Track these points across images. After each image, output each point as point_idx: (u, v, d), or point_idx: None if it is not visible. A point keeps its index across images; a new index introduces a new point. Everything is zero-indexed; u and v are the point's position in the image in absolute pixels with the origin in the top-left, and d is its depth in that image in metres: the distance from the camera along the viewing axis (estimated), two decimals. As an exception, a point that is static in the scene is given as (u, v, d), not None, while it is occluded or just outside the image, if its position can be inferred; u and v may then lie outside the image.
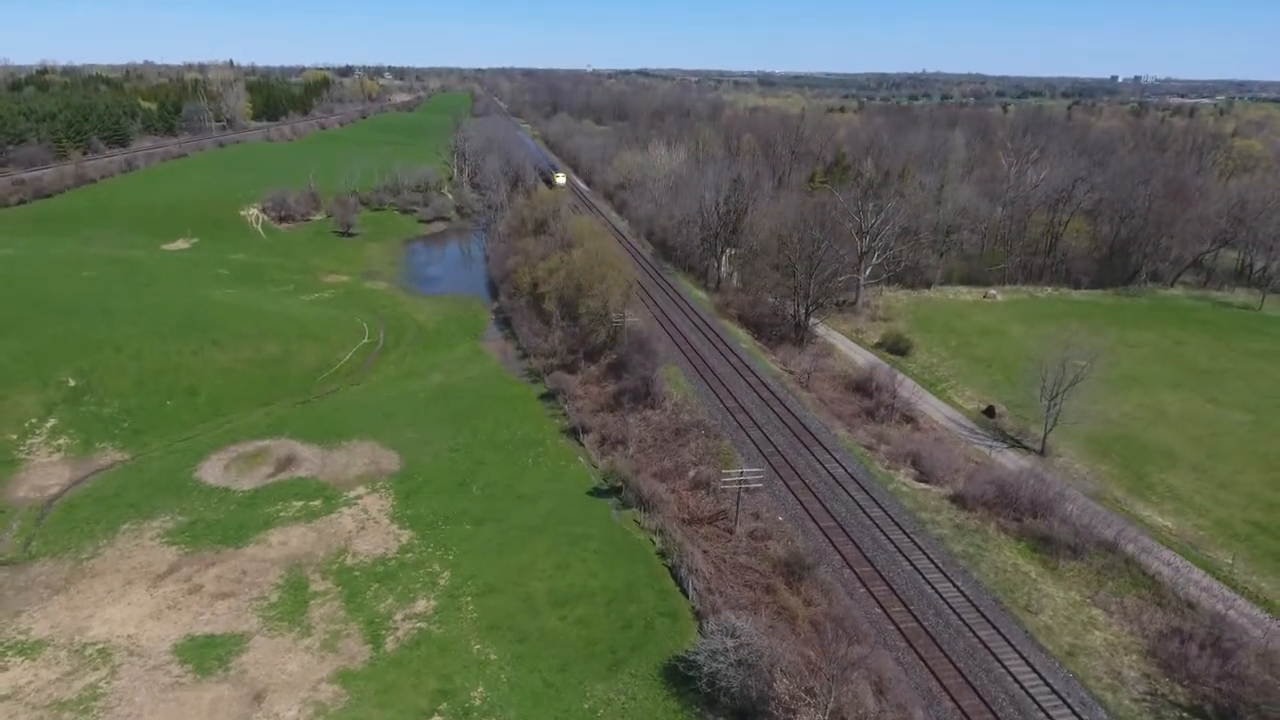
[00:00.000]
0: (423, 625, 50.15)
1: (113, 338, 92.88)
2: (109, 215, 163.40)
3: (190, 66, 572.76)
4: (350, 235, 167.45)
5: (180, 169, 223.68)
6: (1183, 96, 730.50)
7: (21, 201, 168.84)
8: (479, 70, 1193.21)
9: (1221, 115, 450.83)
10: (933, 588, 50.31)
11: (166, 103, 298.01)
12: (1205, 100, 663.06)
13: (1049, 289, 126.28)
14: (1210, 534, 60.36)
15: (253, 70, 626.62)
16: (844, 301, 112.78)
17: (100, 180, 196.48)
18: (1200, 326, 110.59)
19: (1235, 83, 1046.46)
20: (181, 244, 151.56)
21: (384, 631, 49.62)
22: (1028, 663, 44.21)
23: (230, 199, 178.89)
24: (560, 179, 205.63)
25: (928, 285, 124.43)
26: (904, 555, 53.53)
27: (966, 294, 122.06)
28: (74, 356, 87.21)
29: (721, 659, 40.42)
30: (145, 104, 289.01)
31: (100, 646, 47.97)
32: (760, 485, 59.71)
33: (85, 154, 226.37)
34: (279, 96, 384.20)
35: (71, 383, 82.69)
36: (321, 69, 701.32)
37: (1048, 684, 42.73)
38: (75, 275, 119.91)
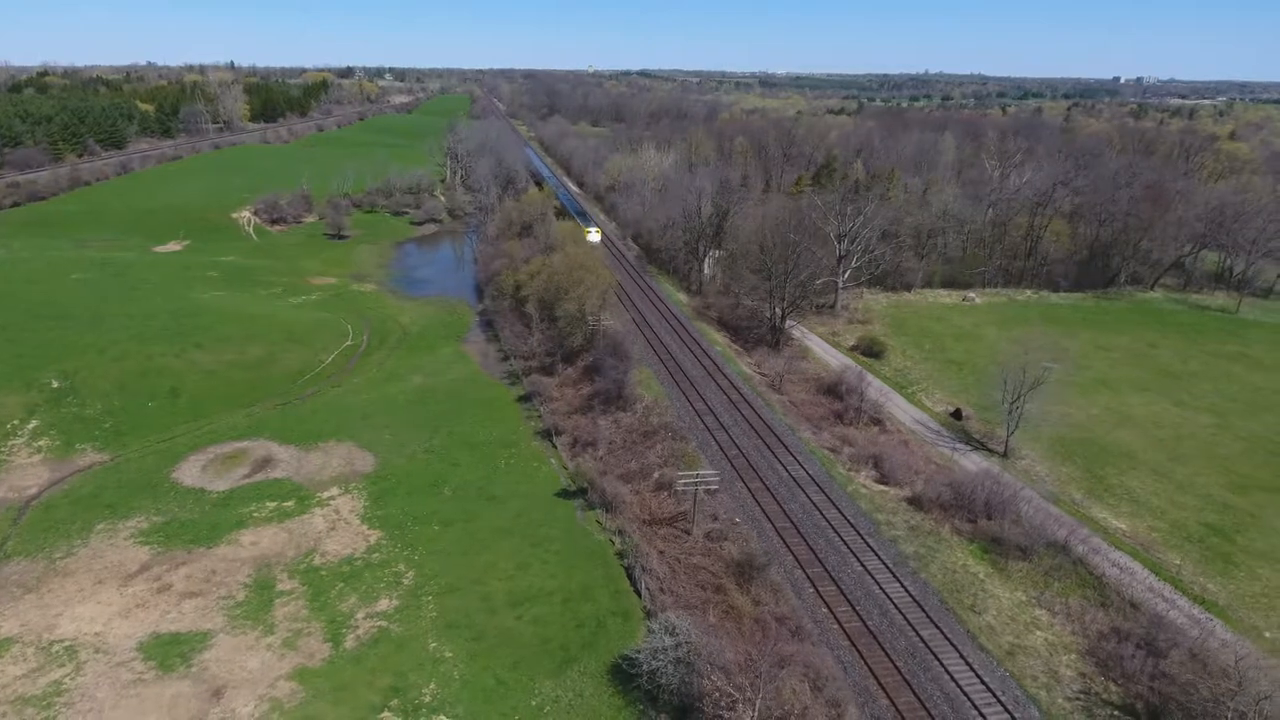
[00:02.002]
0: (383, 624, 51.35)
1: (98, 340, 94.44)
2: (103, 218, 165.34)
3: (190, 68, 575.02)
4: (341, 238, 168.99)
5: (176, 171, 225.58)
6: (1184, 98, 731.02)
7: (15, 204, 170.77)
8: (480, 71, 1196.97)
9: (1221, 117, 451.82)
10: (880, 588, 51.44)
11: (164, 105, 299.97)
12: (1206, 101, 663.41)
13: (1029, 292, 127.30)
14: (1163, 536, 61.41)
15: (254, 72, 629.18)
16: (823, 304, 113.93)
17: (95, 183, 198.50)
18: (1176, 329, 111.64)
19: (1238, 84, 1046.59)
20: (173, 246, 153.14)
21: (345, 630, 50.80)
22: (966, 662, 45.31)
23: (224, 202, 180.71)
24: (593, 234, 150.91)
25: (908, 288, 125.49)
26: (855, 556, 54.66)
27: (946, 297, 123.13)
28: (59, 358, 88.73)
29: (661, 657, 41.61)
30: (143, 106, 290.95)
31: (67, 644, 49.22)
32: (717, 487, 60.93)
33: (81, 156, 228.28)
34: (277, 98, 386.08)
35: (55, 384, 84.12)
36: (322, 70, 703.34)
37: (984, 683, 43.82)
38: (65, 278, 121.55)
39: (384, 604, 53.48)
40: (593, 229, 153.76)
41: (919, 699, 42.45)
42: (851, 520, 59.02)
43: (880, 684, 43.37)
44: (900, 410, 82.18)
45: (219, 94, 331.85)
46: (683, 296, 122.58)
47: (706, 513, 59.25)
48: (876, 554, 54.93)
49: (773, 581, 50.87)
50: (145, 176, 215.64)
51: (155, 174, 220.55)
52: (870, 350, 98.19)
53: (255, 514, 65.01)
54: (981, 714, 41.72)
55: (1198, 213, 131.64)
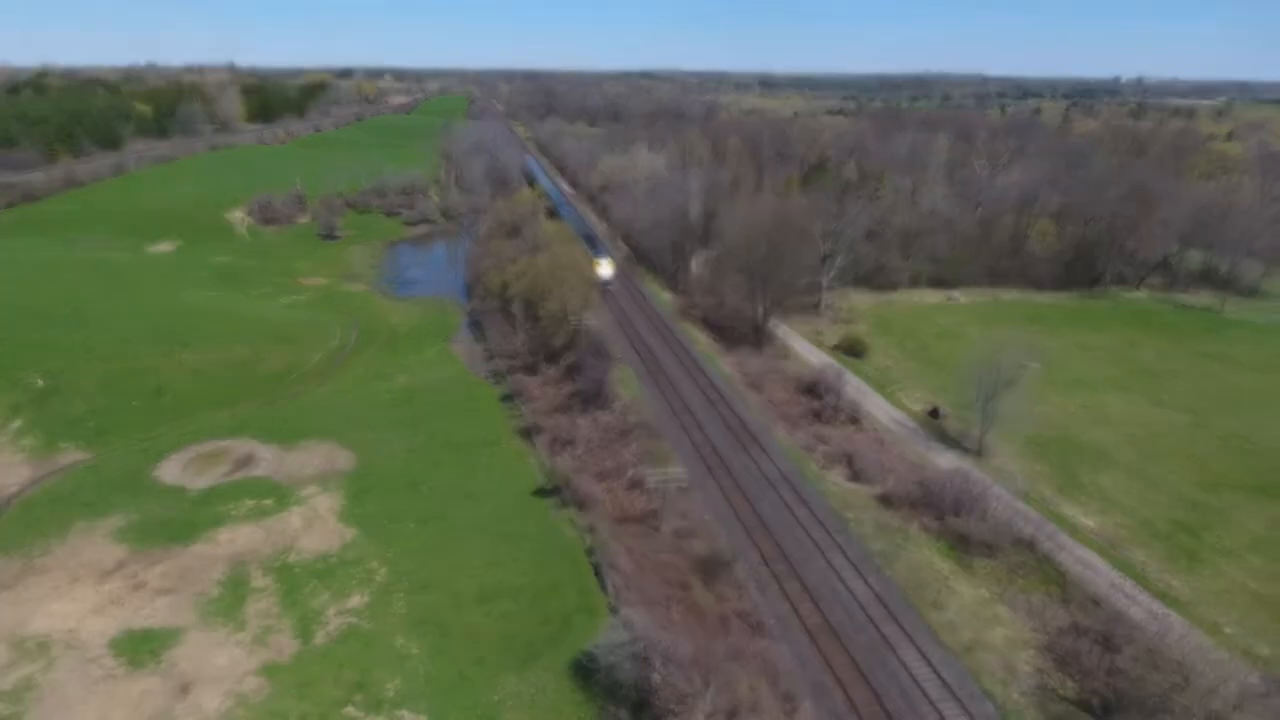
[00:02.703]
0: (353, 620, 51.96)
1: (85, 340, 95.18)
2: (96, 218, 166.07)
3: (190, 69, 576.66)
4: (334, 238, 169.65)
5: (170, 172, 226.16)
6: (1184, 98, 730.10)
7: (9, 205, 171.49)
8: (480, 72, 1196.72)
9: (1220, 117, 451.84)
10: (844, 584, 51.95)
11: (161, 106, 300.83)
12: (1205, 101, 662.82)
13: (1014, 292, 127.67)
14: (1131, 533, 61.87)
15: (253, 73, 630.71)
16: (807, 304, 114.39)
17: (89, 184, 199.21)
18: (1160, 329, 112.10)
19: (1238, 84, 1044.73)
20: (165, 247, 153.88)
21: (315, 626, 51.41)
22: (925, 658, 45.81)
23: (218, 202, 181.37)
24: (604, 267, 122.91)
25: (894, 288, 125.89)
26: (822, 553, 55.19)
27: (931, 296, 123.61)
28: (44, 358, 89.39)
29: (619, 653, 42.16)
30: (140, 107, 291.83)
31: (40, 640, 49.82)
32: (686, 485, 61.49)
33: (76, 157, 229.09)
34: (274, 99, 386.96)
35: (40, 384, 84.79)
36: (321, 71, 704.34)
37: (941, 678, 44.32)
38: (55, 278, 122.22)
39: (355, 601, 54.06)
40: (604, 260, 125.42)
41: (875, 694, 42.96)
42: (820, 518, 59.54)
43: (837, 679, 43.89)
44: (878, 409, 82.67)
45: (216, 95, 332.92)
46: (668, 296, 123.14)
47: (676, 510, 59.80)
48: (843, 551, 55.45)
49: (737, 578, 51.45)
50: (140, 177, 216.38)
51: (150, 175, 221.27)
52: (852, 349, 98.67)
53: (233, 512, 65.60)
54: (937, 709, 42.23)
55: (1184, 212, 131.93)
